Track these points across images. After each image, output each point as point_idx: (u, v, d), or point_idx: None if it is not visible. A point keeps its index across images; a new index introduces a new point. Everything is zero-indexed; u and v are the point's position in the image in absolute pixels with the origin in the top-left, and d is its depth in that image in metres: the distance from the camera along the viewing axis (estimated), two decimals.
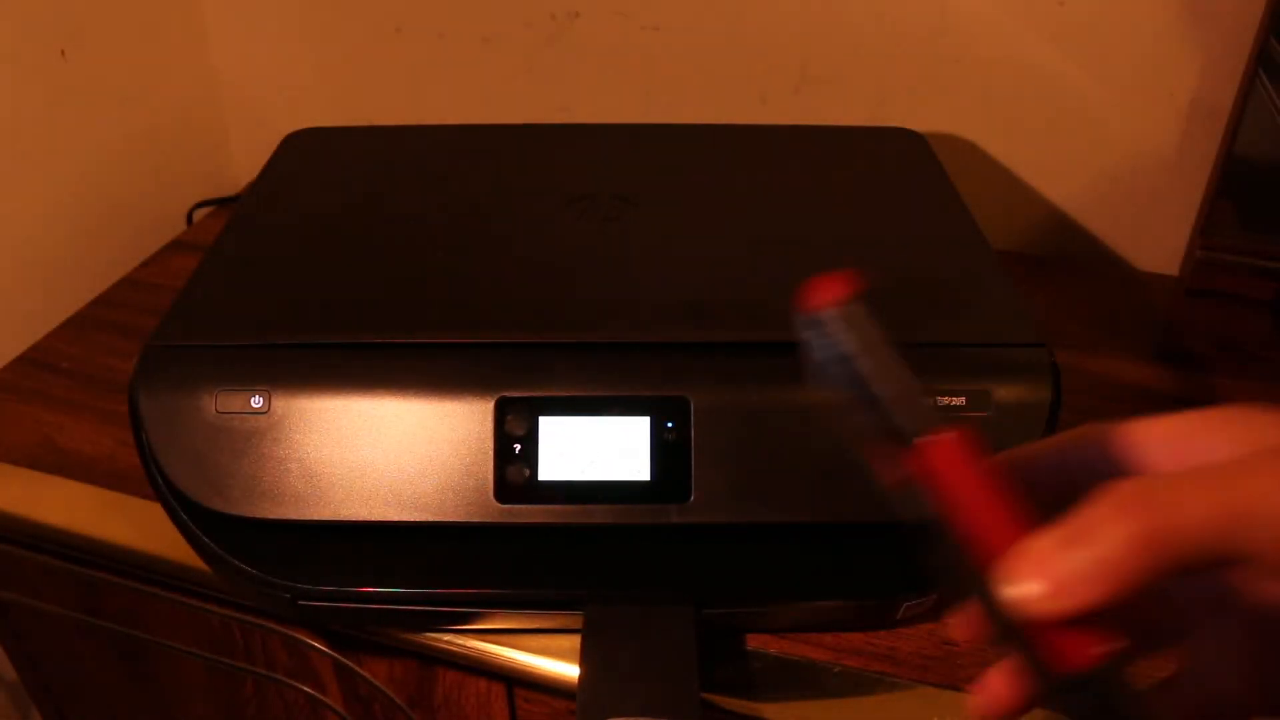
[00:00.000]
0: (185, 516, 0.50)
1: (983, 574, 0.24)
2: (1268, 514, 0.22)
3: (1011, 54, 0.79)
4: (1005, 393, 0.48)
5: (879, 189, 0.67)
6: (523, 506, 0.47)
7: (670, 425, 0.48)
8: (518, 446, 0.48)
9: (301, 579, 0.50)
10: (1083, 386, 0.68)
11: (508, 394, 0.48)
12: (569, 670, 0.52)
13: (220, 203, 0.94)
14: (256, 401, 0.48)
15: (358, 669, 0.60)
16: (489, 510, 0.47)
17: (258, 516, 0.48)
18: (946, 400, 0.48)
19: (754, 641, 0.52)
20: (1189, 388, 0.69)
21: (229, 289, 0.56)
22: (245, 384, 0.49)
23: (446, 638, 0.53)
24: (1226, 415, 0.25)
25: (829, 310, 0.26)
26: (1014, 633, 0.24)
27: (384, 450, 0.48)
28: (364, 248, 0.59)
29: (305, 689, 0.64)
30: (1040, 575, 0.23)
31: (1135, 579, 0.22)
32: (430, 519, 0.47)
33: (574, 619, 0.48)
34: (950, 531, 0.24)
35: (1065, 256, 0.86)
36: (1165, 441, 0.26)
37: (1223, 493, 0.22)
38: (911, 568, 0.50)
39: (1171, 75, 0.76)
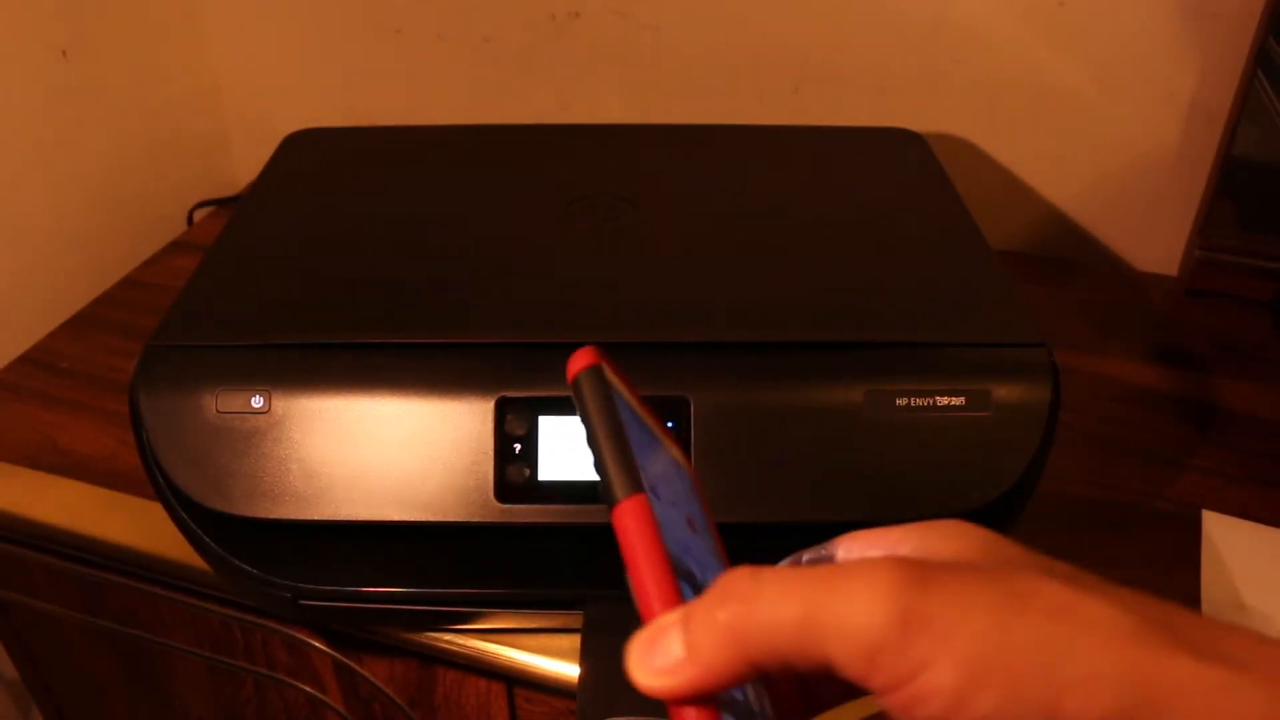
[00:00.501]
0: (186, 516, 0.50)
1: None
2: (837, 624, 0.21)
3: (1011, 54, 0.79)
4: (1005, 392, 0.48)
5: (879, 189, 0.67)
6: (523, 506, 0.47)
7: (670, 425, 0.48)
8: (518, 446, 0.48)
9: (302, 578, 0.50)
10: (1082, 386, 0.69)
11: (508, 394, 0.48)
12: (569, 670, 0.52)
13: (221, 203, 0.94)
14: (257, 401, 0.48)
15: (358, 668, 0.60)
16: (489, 510, 0.47)
17: (258, 516, 0.48)
18: (946, 400, 0.48)
19: None
20: (1188, 388, 0.69)
21: (229, 289, 0.56)
22: (246, 384, 0.49)
23: (447, 637, 0.53)
24: (934, 529, 0.25)
25: (573, 380, 0.27)
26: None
27: (384, 450, 0.48)
28: (364, 248, 0.60)
29: (305, 688, 0.64)
30: (649, 652, 0.23)
31: (722, 667, 0.22)
32: (431, 519, 0.47)
33: (574, 619, 0.48)
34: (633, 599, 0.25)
35: (1065, 256, 0.86)
36: (885, 548, 0.26)
37: (807, 594, 0.22)
38: None
39: (1171, 76, 0.76)
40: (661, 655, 0.23)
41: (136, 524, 0.60)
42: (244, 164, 1.03)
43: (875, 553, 0.25)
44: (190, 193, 0.96)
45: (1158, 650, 0.21)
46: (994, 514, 0.49)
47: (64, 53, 0.83)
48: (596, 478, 0.26)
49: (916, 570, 0.22)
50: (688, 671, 0.23)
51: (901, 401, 0.48)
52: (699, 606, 0.23)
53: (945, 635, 0.21)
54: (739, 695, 0.25)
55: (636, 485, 0.25)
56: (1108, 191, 0.83)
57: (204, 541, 0.50)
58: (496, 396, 0.48)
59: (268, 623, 0.60)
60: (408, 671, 0.59)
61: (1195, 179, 0.79)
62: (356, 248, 0.60)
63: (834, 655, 0.21)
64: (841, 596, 0.21)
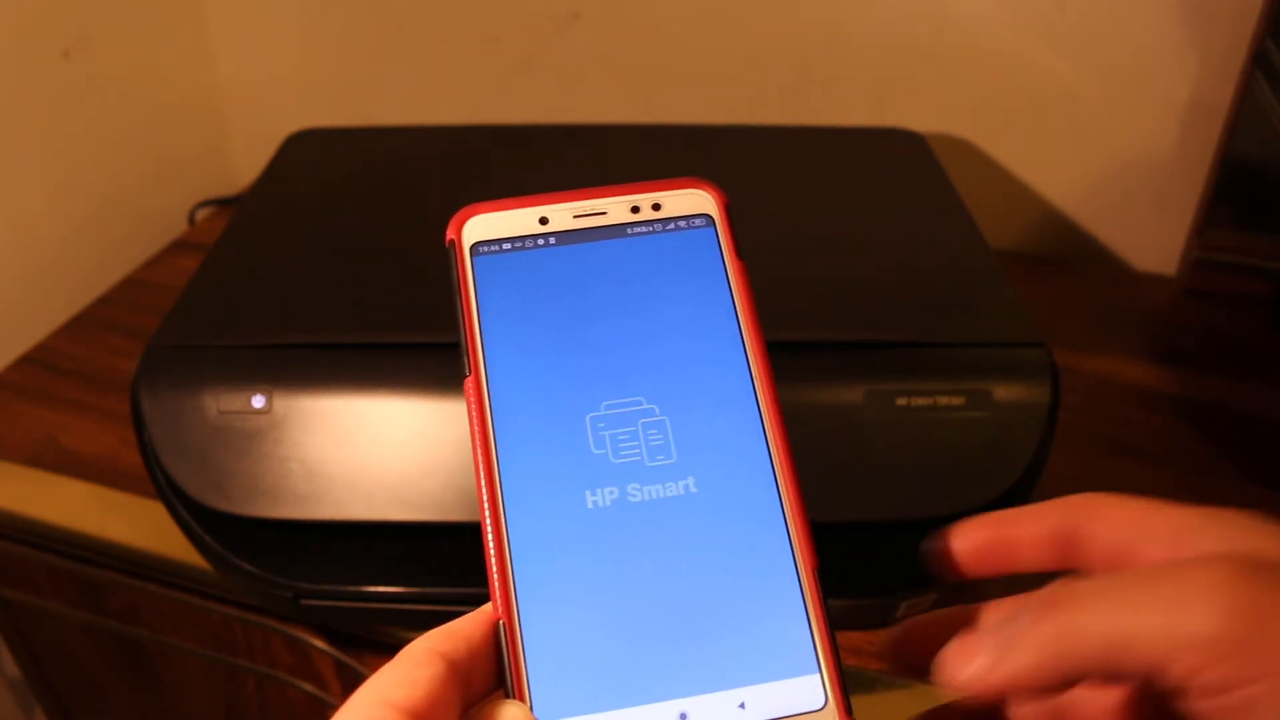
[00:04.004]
0: (187, 515, 0.50)
1: (483, 505, 0.27)
2: (1165, 627, 0.21)
3: (1011, 54, 0.79)
4: (1005, 393, 0.49)
5: (879, 189, 0.67)
6: None
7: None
8: None
9: (303, 578, 0.50)
10: (1080, 386, 0.69)
11: None
12: None
13: (222, 203, 0.94)
14: (258, 401, 0.48)
15: (360, 668, 0.60)
16: None
17: (259, 515, 0.48)
18: (946, 400, 0.48)
19: None
20: (1187, 387, 0.70)
21: (231, 289, 0.56)
22: (247, 383, 0.49)
23: None
24: (1233, 524, 0.24)
25: (448, 245, 0.29)
26: None
27: (385, 450, 0.48)
28: (365, 248, 0.60)
29: (307, 687, 0.64)
30: (960, 654, 0.25)
31: (1030, 672, 0.23)
32: (431, 519, 0.48)
33: None
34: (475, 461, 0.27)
35: (1064, 256, 0.86)
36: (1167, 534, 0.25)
37: (1132, 598, 0.22)
38: (911, 567, 0.51)
39: (1169, 77, 0.76)
40: (974, 655, 0.24)
41: (138, 523, 0.60)
42: (245, 163, 1.03)
43: (1183, 551, 0.24)
44: (192, 192, 0.96)
45: None
46: None
47: (66, 53, 0.83)
48: None
49: (1255, 570, 0.21)
50: (998, 674, 0.24)
51: (901, 401, 0.48)
52: (1021, 613, 0.24)
53: None
54: None
55: (468, 369, 0.28)
56: (1107, 191, 0.83)
57: (205, 541, 0.51)
58: None
59: (269, 621, 0.60)
60: None
61: (1194, 179, 0.79)
62: (358, 248, 0.60)
63: (1159, 659, 0.21)
64: (1171, 599, 0.21)
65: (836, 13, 0.81)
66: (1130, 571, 0.23)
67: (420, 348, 0.50)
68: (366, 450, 0.48)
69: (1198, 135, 0.78)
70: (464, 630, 0.26)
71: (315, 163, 0.71)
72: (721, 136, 0.74)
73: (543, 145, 0.73)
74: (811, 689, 0.25)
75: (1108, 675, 0.22)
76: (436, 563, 0.50)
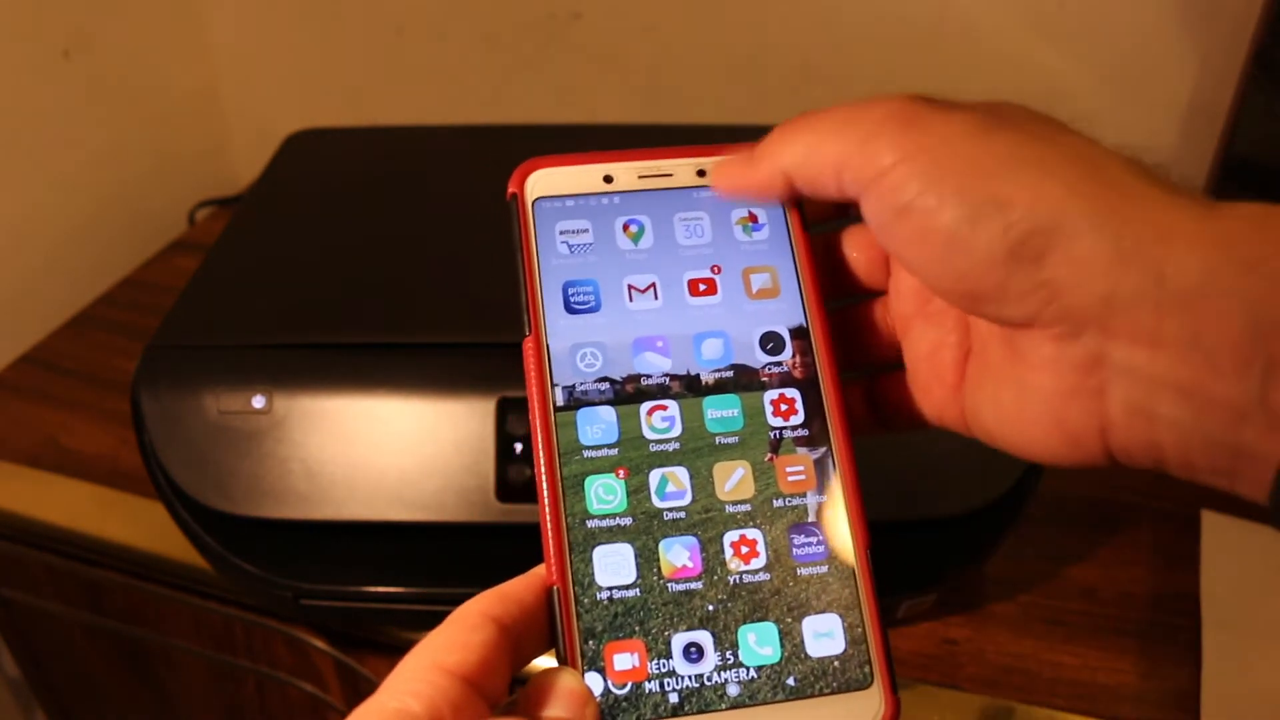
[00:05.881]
0: (187, 515, 0.50)
1: (540, 468, 0.26)
2: (824, 151, 0.28)
3: (1011, 54, 0.79)
4: None
5: None
6: (524, 506, 0.48)
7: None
8: (519, 446, 0.48)
9: (303, 578, 0.50)
10: None
11: (509, 394, 0.48)
12: None
13: (222, 203, 0.94)
14: (258, 401, 0.48)
15: (359, 668, 0.60)
16: (490, 510, 0.47)
17: (260, 516, 0.48)
18: None
19: None
20: None
21: (231, 289, 0.56)
22: (247, 384, 0.49)
23: None
24: None
25: (510, 198, 0.28)
26: None
27: (385, 450, 0.48)
28: (365, 248, 0.60)
29: (307, 687, 0.64)
30: (724, 166, 0.30)
31: (767, 172, 0.28)
32: (431, 519, 0.48)
33: None
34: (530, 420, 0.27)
35: None
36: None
37: (809, 125, 0.28)
38: (911, 567, 0.51)
39: (1170, 76, 0.76)
40: (734, 165, 0.29)
41: (137, 523, 0.60)
42: (245, 164, 1.03)
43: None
44: (191, 192, 0.96)
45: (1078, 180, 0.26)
46: (995, 514, 0.49)
47: (66, 53, 0.83)
48: None
49: (918, 96, 0.29)
50: (749, 175, 0.29)
51: None
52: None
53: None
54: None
55: (528, 328, 0.27)
56: None
57: (205, 541, 0.51)
58: (497, 396, 0.48)
59: (269, 621, 0.60)
60: None
61: (1195, 179, 0.79)
62: (358, 248, 0.60)
63: (825, 182, 0.27)
64: (850, 118, 0.30)
65: (837, 13, 0.81)
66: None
67: (420, 348, 0.50)
68: (366, 450, 0.48)
69: (1199, 135, 0.78)
70: (515, 593, 0.25)
71: (315, 163, 0.71)
72: (721, 137, 0.74)
73: (542, 145, 0.72)
74: (859, 665, 0.25)
75: (810, 183, 0.28)
76: (436, 563, 0.50)
